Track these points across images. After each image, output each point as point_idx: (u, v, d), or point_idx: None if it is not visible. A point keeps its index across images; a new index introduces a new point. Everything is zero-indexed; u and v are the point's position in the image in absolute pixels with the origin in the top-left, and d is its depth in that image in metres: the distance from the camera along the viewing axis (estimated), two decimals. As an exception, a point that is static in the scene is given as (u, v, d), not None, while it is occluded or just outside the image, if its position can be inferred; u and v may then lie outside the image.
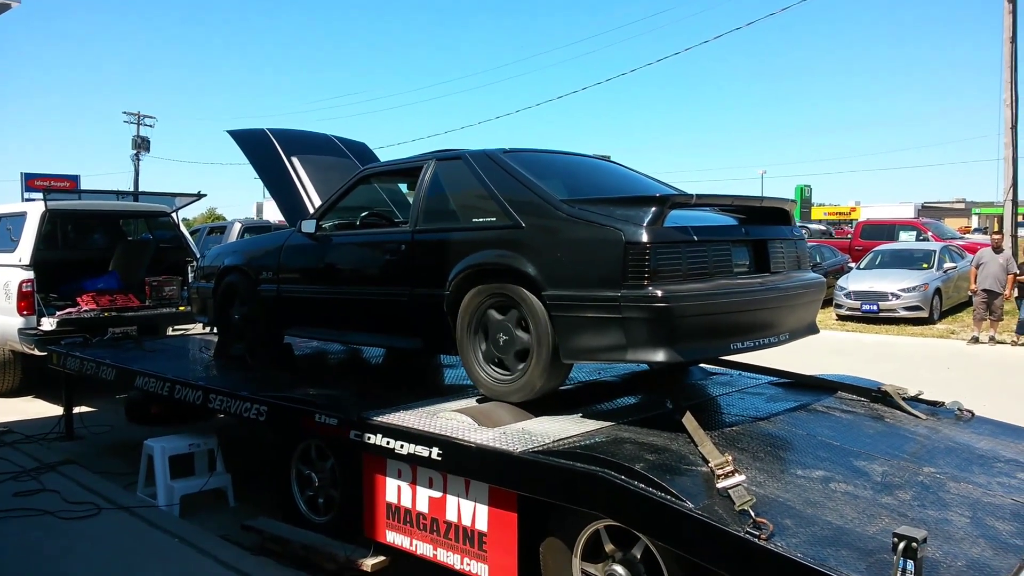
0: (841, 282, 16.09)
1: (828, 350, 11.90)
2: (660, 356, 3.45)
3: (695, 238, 3.63)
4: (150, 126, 48.15)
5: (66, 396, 6.82)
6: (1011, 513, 3.09)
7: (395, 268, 4.52)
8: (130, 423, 6.99)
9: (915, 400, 4.48)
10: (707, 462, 3.07)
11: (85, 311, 8.19)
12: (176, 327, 8.76)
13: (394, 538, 3.94)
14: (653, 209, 3.51)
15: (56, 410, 7.07)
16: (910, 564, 2.24)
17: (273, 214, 36.14)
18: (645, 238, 3.43)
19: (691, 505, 2.79)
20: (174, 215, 9.61)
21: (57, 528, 4.50)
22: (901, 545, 2.28)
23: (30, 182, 35.71)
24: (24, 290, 7.85)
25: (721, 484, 2.88)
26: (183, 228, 9.90)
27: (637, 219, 3.49)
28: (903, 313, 14.80)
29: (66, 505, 4.82)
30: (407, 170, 4.88)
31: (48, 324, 7.84)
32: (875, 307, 15.11)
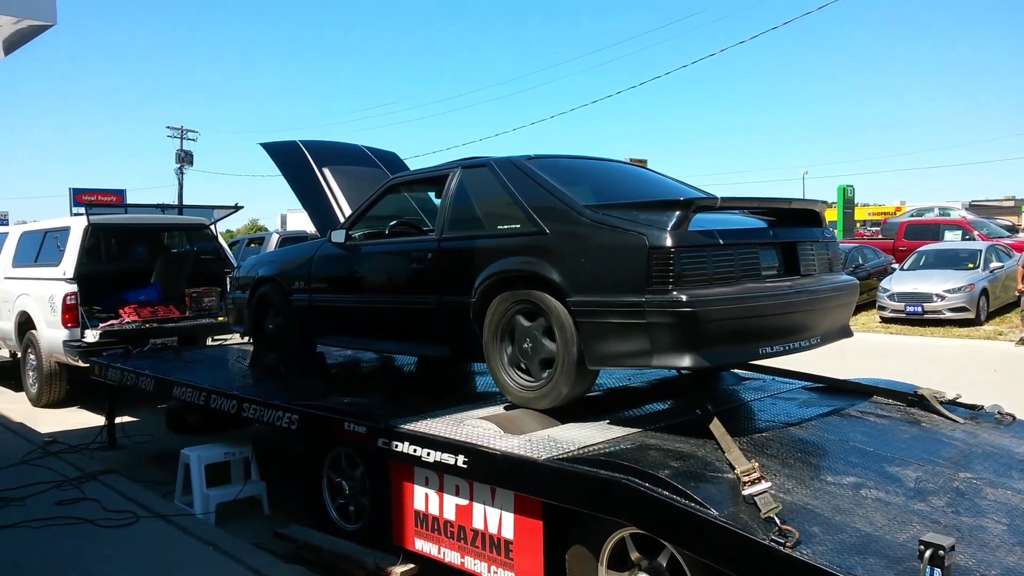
0: (884, 284, 15.79)
1: (871, 353, 11.68)
2: (686, 361, 3.42)
3: (720, 241, 3.59)
4: (193, 140, 49.15)
5: (108, 407, 6.98)
6: (1051, 520, 2.99)
7: (422, 276, 4.54)
8: (170, 432, 7.11)
9: (953, 404, 4.37)
10: (733, 469, 3.03)
11: (127, 323, 8.37)
12: (216, 337, 8.92)
13: (423, 546, 3.95)
14: (677, 213, 3.48)
15: (100, 420, 7.23)
16: (937, 572, 2.18)
17: (295, 225, 36.51)
18: (669, 242, 3.40)
19: (715, 512, 2.75)
20: (212, 227, 9.79)
21: (95, 536, 4.60)
22: (928, 553, 2.22)
23: (78, 197, 36.79)
24: (68, 303, 8.05)
25: (747, 491, 2.84)
26: (221, 240, 10.06)
27: (661, 223, 3.46)
28: (948, 315, 14.45)
29: (105, 513, 4.93)
30: (434, 178, 4.91)
31: (91, 336, 8.02)
32: (919, 309, 14.79)
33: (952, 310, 14.46)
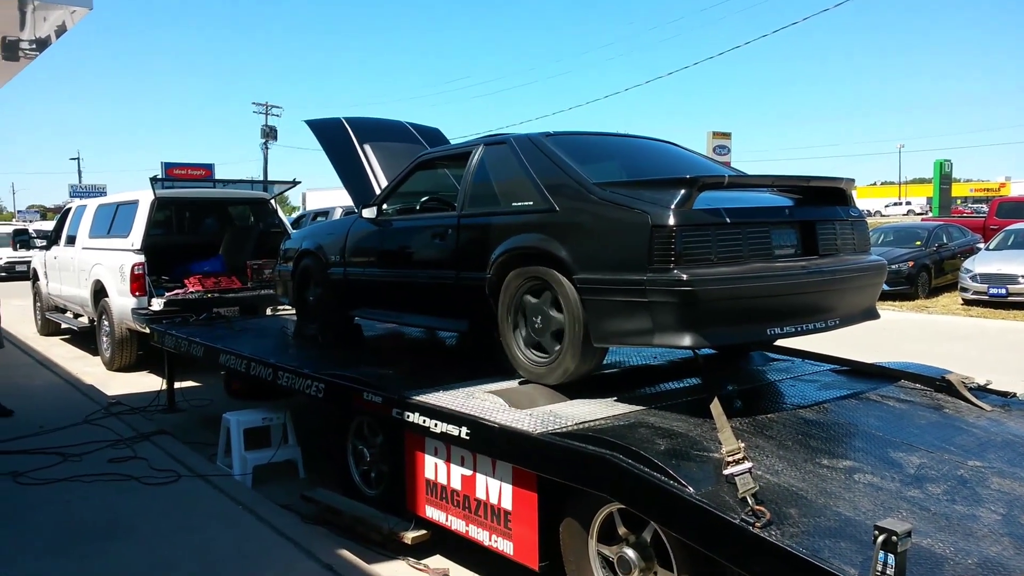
0: (967, 264, 15.10)
1: (944, 336, 11.24)
2: (686, 341, 3.40)
3: (727, 220, 3.54)
4: (277, 115, 50.54)
5: (168, 371, 7.35)
6: (1054, 512, 2.88)
7: (443, 251, 4.63)
8: (229, 397, 7.45)
9: (984, 390, 4.21)
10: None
11: (191, 292, 8.77)
12: (277, 307, 9.24)
13: (432, 513, 4.07)
14: (682, 191, 3.45)
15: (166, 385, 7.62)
16: (891, 558, 2.15)
17: (315, 204, 36.46)
18: (672, 221, 3.38)
19: (692, 490, 2.76)
20: (272, 201, 10.11)
21: (137, 492, 4.91)
22: (881, 538, 2.18)
23: (169, 171, 38.39)
24: (136, 273, 8.49)
25: (728, 471, 2.83)
26: (281, 213, 10.38)
27: (664, 201, 3.44)
28: (1034, 297, 13.75)
29: (151, 472, 5.24)
30: (459, 155, 4.97)
31: (157, 304, 8.44)
32: (1003, 291, 14.11)
33: (1039, 293, 13.75)
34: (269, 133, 49.26)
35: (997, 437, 3.61)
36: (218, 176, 39.51)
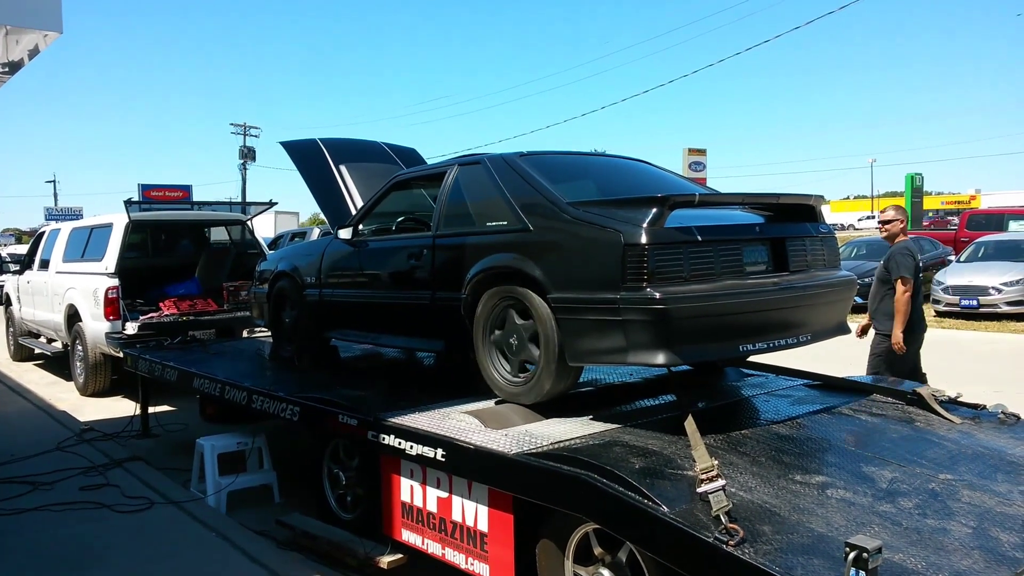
0: (939, 276, 15.29)
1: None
2: (660, 359, 3.41)
3: (699, 238, 3.57)
4: (255, 136, 50.32)
5: (142, 396, 7.26)
6: (1023, 524, 2.91)
7: (419, 272, 4.63)
8: (204, 422, 7.36)
9: (955, 403, 4.25)
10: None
11: (166, 315, 8.69)
12: (253, 330, 9.17)
13: (408, 536, 4.04)
14: (654, 210, 3.47)
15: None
16: (862, 575, 2.16)
17: (285, 227, 35.72)
18: (644, 239, 3.40)
19: (665, 509, 2.76)
20: (249, 223, 10.06)
21: (109, 521, 4.83)
22: (852, 555, 2.20)
23: (146, 192, 38.04)
24: (110, 296, 8.40)
25: (701, 489, 2.84)
26: (257, 236, 10.33)
27: (636, 220, 3.46)
28: (1005, 308, 13.97)
29: (123, 499, 5.16)
30: (434, 175, 4.98)
31: (132, 328, 8.35)
32: (975, 302, 14.30)
33: (1009, 304, 13.97)
34: (247, 154, 49.04)
35: (968, 450, 3.65)
36: (196, 197, 39.27)
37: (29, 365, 11.88)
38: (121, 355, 8.25)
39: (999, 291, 14.05)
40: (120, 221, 8.83)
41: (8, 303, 12.33)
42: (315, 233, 14.60)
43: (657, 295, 3.34)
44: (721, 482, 2.85)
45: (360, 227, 5.27)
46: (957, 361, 10.22)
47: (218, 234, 10.80)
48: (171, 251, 10.56)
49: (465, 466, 3.57)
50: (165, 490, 5.41)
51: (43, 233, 11.34)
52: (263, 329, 8.97)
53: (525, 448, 3.40)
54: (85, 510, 4.98)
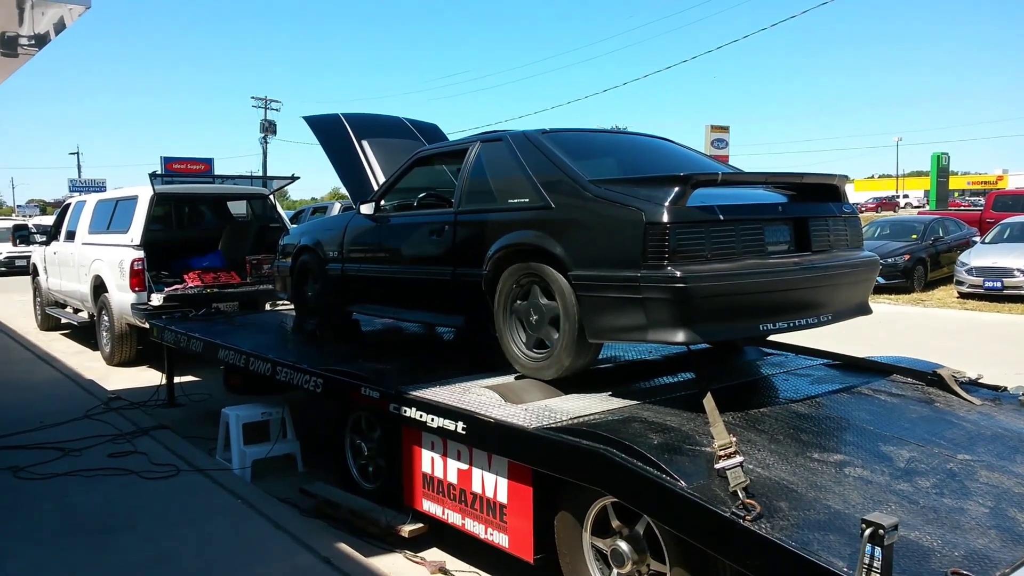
0: (963, 257, 15.16)
1: (939, 329, 11.31)
2: (680, 337, 3.44)
3: (720, 217, 3.57)
4: (276, 110, 50.45)
5: (167, 366, 7.39)
6: (1040, 505, 2.92)
7: (440, 248, 4.67)
8: (228, 392, 7.48)
9: (975, 384, 4.25)
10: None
11: (190, 287, 8.81)
12: (276, 303, 9.28)
13: (429, 507, 4.12)
14: (676, 189, 3.48)
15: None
16: (877, 551, 2.19)
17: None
18: (665, 218, 3.41)
19: (684, 484, 2.80)
20: (271, 197, 10.14)
21: (136, 486, 4.95)
22: (868, 531, 2.22)
23: (169, 165, 38.34)
24: (135, 268, 8.52)
25: (719, 465, 2.87)
26: (279, 209, 10.41)
27: (659, 199, 3.47)
28: (1030, 291, 13.80)
29: (150, 466, 5.28)
30: (457, 152, 5.00)
31: (157, 299, 8.48)
32: (999, 284, 14.17)
33: (1033, 286, 13.80)
34: (268, 128, 49.26)
35: (987, 431, 3.66)
36: (217, 171, 39.47)
37: (56, 335, 12.10)
38: (147, 326, 8.39)
39: (1024, 273, 13.90)
40: (145, 194, 8.93)
41: (35, 273, 12.53)
42: (336, 208, 14.67)
43: (678, 273, 3.35)
44: (739, 458, 2.88)
45: (382, 203, 5.31)
46: (979, 343, 10.15)
47: (238, 208, 10.89)
48: (195, 224, 10.67)
49: (485, 439, 3.63)
50: (191, 458, 5.52)
51: (69, 205, 11.50)
52: (285, 303, 9.10)
53: (545, 422, 3.45)
54: (114, 476, 5.11)
